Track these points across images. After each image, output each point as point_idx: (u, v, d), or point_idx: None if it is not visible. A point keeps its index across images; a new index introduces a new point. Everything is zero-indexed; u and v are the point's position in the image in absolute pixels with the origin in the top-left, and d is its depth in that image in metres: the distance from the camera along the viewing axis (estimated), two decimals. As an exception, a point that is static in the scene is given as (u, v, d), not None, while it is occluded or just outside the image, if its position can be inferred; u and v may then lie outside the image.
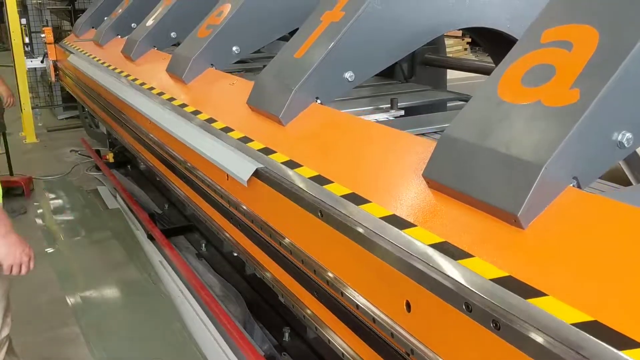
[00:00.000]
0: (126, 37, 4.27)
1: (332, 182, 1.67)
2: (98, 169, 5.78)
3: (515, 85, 1.35)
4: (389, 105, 2.48)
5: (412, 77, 3.12)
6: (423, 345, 1.27)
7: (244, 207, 2.13)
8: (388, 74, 3.10)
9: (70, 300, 3.62)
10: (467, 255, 1.20)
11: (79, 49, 5.14)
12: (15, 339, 2.34)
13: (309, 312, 1.83)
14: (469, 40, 12.35)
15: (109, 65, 4.14)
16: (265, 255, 2.06)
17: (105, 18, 5.14)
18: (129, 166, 5.47)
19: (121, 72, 3.86)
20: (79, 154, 6.56)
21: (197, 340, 3.09)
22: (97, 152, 5.81)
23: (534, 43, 1.39)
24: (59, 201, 5.39)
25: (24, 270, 2.06)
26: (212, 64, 3.02)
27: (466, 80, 3.65)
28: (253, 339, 2.78)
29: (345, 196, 1.58)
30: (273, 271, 2.03)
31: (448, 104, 2.80)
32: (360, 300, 1.48)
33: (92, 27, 5.48)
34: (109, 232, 4.55)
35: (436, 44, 2.99)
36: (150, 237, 4.11)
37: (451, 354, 1.21)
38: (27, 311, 3.36)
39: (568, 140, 1.17)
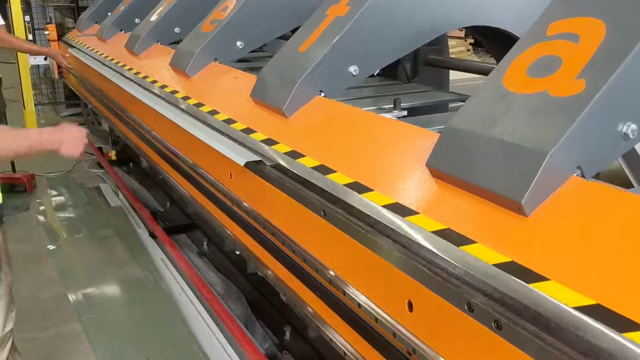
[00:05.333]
0: (129, 32, 4.28)
1: (335, 171, 1.68)
2: (100, 166, 5.79)
3: (521, 76, 1.36)
4: (392, 106, 2.48)
5: (415, 78, 3.11)
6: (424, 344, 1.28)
7: (246, 205, 2.13)
8: (391, 74, 3.10)
9: (72, 298, 3.63)
10: (469, 241, 1.20)
11: (82, 43, 5.14)
12: (17, 335, 2.35)
13: (310, 310, 1.84)
14: (472, 41, 12.35)
15: (112, 59, 4.14)
16: (267, 253, 2.06)
17: (109, 13, 5.15)
18: (131, 164, 5.48)
19: (124, 65, 3.86)
20: (82, 151, 6.57)
21: (198, 338, 3.10)
22: (100, 149, 5.83)
23: (540, 35, 1.40)
24: (61, 198, 5.40)
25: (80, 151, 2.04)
26: (215, 58, 3.02)
27: (469, 82, 3.66)
28: (254, 337, 2.78)
29: (348, 185, 1.59)
30: (275, 269, 2.03)
31: (450, 105, 2.81)
32: (362, 299, 1.49)
33: (96, 23, 5.49)
34: (111, 230, 4.55)
35: (439, 44, 2.99)
36: (152, 235, 4.12)
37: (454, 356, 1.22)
38: (29, 308, 3.37)
39: (573, 130, 1.17)
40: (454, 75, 3.25)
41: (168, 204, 4.50)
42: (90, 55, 4.73)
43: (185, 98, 2.80)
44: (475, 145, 1.33)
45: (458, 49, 11.57)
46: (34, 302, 3.54)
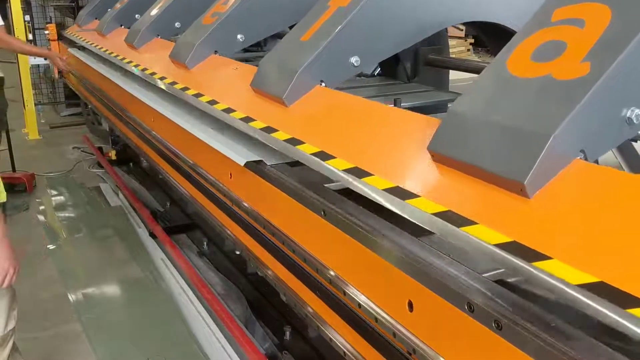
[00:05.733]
0: (129, 27, 4.27)
1: (335, 157, 1.67)
2: (100, 166, 5.79)
3: (525, 60, 1.36)
4: (392, 105, 2.48)
5: (415, 78, 3.11)
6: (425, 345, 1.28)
7: (246, 205, 2.13)
8: (391, 74, 3.10)
9: (71, 297, 3.63)
10: (470, 222, 1.20)
11: (81, 37, 5.13)
12: (17, 335, 2.35)
13: (310, 310, 1.84)
14: (472, 41, 12.35)
15: (111, 53, 4.13)
16: (267, 253, 2.06)
17: (109, 9, 5.15)
18: (131, 164, 5.48)
19: (123, 58, 3.85)
20: (82, 151, 6.57)
21: (198, 338, 3.10)
22: (100, 149, 5.83)
23: (544, 22, 1.40)
24: (61, 198, 5.40)
25: (6, 283, 2.06)
26: (216, 51, 3.02)
27: (469, 82, 3.65)
28: (254, 337, 2.78)
29: (347, 170, 1.58)
30: (275, 269, 2.03)
31: (450, 105, 2.80)
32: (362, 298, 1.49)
33: (96, 18, 5.48)
34: (111, 230, 4.55)
35: (440, 44, 2.99)
36: (152, 235, 4.11)
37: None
38: (29, 308, 3.36)
39: (577, 112, 1.17)
40: (453, 75, 3.25)
41: (168, 204, 4.50)
42: (88, 49, 4.71)
43: (185, 89, 2.79)
44: (478, 127, 1.33)
45: (458, 48, 11.58)
46: (34, 302, 3.54)
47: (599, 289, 0.94)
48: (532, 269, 1.04)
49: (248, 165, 2.02)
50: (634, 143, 2.11)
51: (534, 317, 1.02)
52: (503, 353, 1.05)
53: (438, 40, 2.88)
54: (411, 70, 3.09)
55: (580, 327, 1.00)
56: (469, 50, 12.28)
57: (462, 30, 11.26)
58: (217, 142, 2.26)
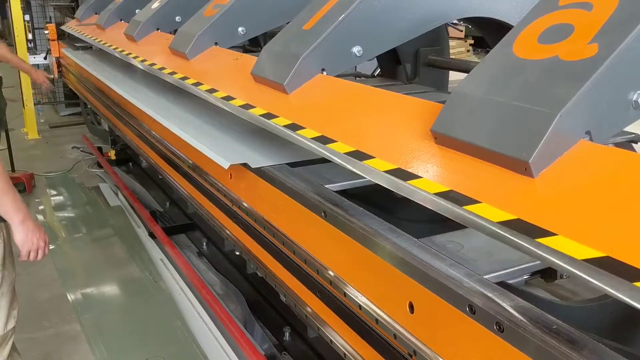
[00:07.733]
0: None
1: (336, 141, 1.65)
2: (100, 166, 5.79)
3: (531, 43, 1.35)
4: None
5: (415, 79, 3.11)
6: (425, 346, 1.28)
7: (246, 205, 2.13)
8: (391, 74, 3.10)
9: (71, 297, 3.62)
10: (473, 201, 1.19)
11: (80, 31, 5.11)
12: (16, 335, 2.34)
13: (310, 311, 1.84)
14: (472, 42, 12.37)
15: (110, 45, 4.12)
16: (267, 253, 2.06)
17: (109, 5, 5.14)
18: (130, 163, 5.48)
19: (122, 50, 3.83)
20: (81, 150, 6.57)
21: (197, 338, 3.09)
22: (99, 149, 5.82)
23: (551, 6, 1.39)
24: (61, 198, 5.40)
25: (40, 255, 2.11)
26: (216, 43, 3.00)
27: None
28: (253, 338, 2.78)
29: (348, 153, 1.57)
30: (275, 270, 2.03)
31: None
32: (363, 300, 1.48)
33: (95, 13, 5.46)
34: (111, 230, 4.55)
35: (440, 45, 2.99)
36: (152, 235, 4.11)
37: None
38: (28, 308, 3.36)
39: (584, 92, 1.16)
40: (453, 75, 3.25)
41: (168, 204, 4.50)
42: (87, 42, 4.69)
43: (184, 78, 2.78)
44: (483, 107, 1.32)
45: (458, 49, 11.59)
46: (34, 301, 3.54)
47: (606, 264, 0.93)
48: (536, 246, 1.03)
49: (246, 166, 2.01)
50: (633, 144, 2.11)
51: (535, 319, 1.02)
52: (504, 355, 1.04)
53: (438, 41, 2.88)
54: (411, 71, 3.09)
55: (582, 329, 1.00)
56: (468, 51, 12.29)
57: (462, 31, 11.28)
58: (201, 145, 2.23)
